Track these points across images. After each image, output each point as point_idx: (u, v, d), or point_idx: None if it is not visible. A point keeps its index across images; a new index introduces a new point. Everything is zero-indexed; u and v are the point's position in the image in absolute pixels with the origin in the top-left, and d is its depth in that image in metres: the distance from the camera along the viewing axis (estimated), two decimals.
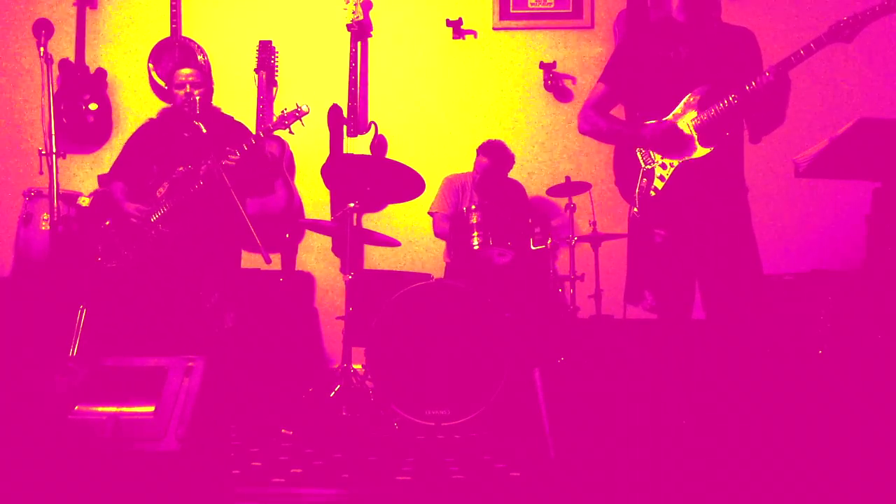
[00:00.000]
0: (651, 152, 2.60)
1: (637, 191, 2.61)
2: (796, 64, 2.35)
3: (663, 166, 2.56)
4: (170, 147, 3.46)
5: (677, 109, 2.55)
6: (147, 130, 3.62)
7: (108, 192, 3.59)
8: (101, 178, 4.43)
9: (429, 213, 4.30)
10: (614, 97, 2.78)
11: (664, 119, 2.56)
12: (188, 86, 3.40)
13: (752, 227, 2.54)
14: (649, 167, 2.59)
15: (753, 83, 2.39)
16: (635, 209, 2.62)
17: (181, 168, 3.40)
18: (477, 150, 4.25)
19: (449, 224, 4.16)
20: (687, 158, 2.52)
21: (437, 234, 4.29)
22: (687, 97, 2.53)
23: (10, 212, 4.38)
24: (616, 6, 4.62)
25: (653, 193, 2.56)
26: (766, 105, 2.48)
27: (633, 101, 2.78)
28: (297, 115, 3.41)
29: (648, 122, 2.59)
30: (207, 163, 3.31)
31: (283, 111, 3.43)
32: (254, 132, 4.38)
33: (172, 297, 3.38)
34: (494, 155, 4.17)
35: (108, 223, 3.46)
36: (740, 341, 2.47)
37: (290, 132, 3.44)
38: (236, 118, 3.78)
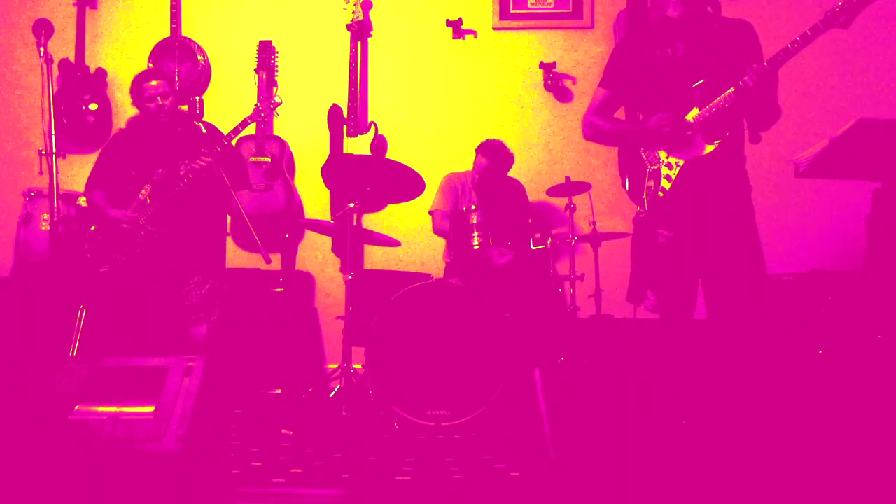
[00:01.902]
0: (656, 152, 2.59)
1: (645, 192, 2.60)
2: (794, 53, 2.32)
3: (669, 166, 2.55)
4: (146, 151, 3.53)
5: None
6: (120, 139, 3.69)
7: (89, 202, 3.66)
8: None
9: (429, 211, 4.30)
10: (616, 101, 2.77)
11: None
12: (159, 98, 3.48)
13: (756, 227, 2.53)
14: (654, 167, 2.58)
15: (750, 74, 2.36)
16: (639, 209, 2.61)
17: (160, 170, 3.47)
18: (476, 150, 4.25)
19: (449, 222, 4.16)
20: (693, 157, 2.51)
21: (436, 232, 4.29)
22: (688, 94, 2.52)
23: (10, 212, 4.38)
24: (616, 6, 4.61)
25: (661, 194, 2.55)
26: (763, 98, 2.46)
27: (633, 101, 2.77)
28: (273, 105, 3.61)
29: (654, 116, 2.57)
30: (185, 162, 3.41)
31: (255, 105, 3.63)
32: (253, 133, 4.43)
33: (166, 295, 3.43)
34: (493, 155, 4.17)
35: (93, 228, 3.51)
36: (742, 341, 2.47)
37: (262, 116, 3.64)
38: (224, 119, 3.86)
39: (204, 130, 3.44)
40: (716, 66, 2.48)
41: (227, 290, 3.66)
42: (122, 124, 4.66)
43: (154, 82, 3.49)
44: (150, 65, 4.61)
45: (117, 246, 3.45)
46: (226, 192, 3.39)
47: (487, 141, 4.24)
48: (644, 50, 2.63)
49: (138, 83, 3.51)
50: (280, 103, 3.62)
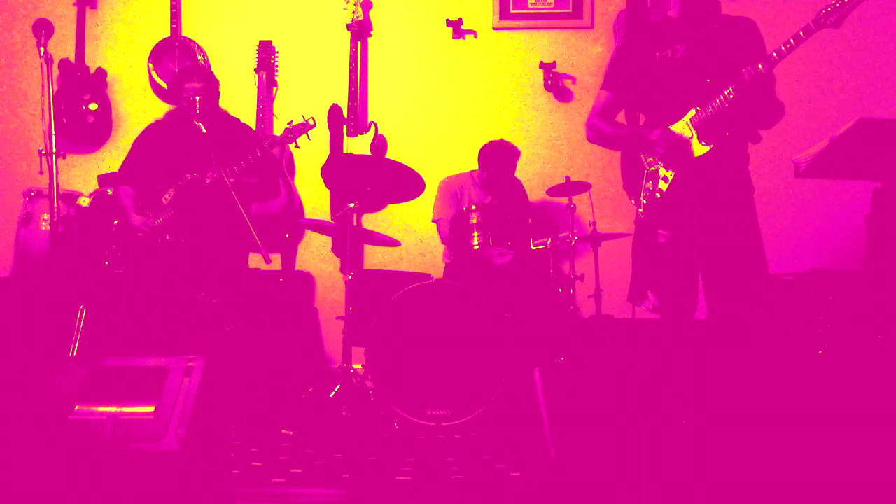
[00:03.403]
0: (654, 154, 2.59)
1: (642, 192, 2.60)
2: (787, 54, 2.31)
3: (666, 167, 2.55)
4: (177, 150, 3.47)
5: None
6: (153, 132, 3.62)
7: (114, 195, 3.60)
8: (101, 178, 4.43)
9: (433, 220, 4.27)
10: (618, 103, 2.77)
11: (668, 127, 2.54)
12: (197, 98, 3.37)
13: (758, 227, 2.53)
14: (653, 169, 2.59)
15: (745, 75, 2.35)
16: (640, 210, 2.61)
17: (188, 175, 3.40)
18: (481, 152, 4.17)
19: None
20: (687, 162, 2.51)
21: (443, 242, 4.26)
22: (686, 96, 2.52)
23: (10, 212, 4.38)
24: (616, 6, 4.61)
25: (658, 195, 2.56)
26: (760, 99, 2.45)
27: (633, 103, 2.77)
28: (304, 128, 3.49)
29: (653, 128, 2.57)
30: (213, 173, 3.31)
31: (289, 123, 3.50)
32: (254, 132, 4.41)
33: (178, 301, 3.40)
34: (503, 154, 4.14)
35: (116, 222, 3.47)
36: (743, 341, 2.47)
37: (297, 146, 3.51)
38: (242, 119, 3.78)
39: (202, 128, 3.35)
40: (716, 66, 2.47)
41: (241, 301, 3.58)
42: (123, 124, 4.69)
43: (196, 85, 3.44)
44: (151, 65, 4.61)
45: (136, 250, 3.42)
46: (232, 200, 3.36)
47: (492, 143, 4.18)
48: (644, 51, 2.62)
49: (179, 82, 3.46)
50: (313, 126, 3.49)
